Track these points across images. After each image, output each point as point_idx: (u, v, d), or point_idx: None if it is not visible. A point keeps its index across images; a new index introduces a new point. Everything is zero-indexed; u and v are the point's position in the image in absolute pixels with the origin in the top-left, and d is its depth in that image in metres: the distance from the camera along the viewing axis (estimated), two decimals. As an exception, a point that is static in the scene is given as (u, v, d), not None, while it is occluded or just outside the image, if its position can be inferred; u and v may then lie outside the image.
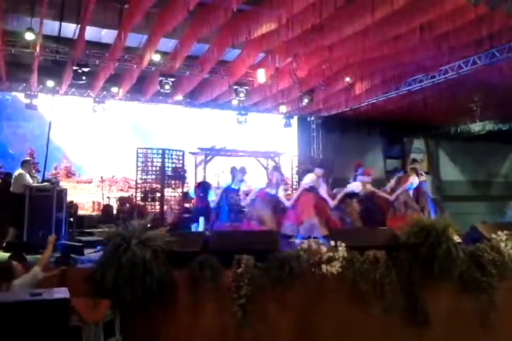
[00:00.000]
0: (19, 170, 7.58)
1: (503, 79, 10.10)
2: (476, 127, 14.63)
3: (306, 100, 11.54)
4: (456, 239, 5.42)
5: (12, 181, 7.57)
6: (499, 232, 5.83)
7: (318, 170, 7.76)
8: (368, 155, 15.45)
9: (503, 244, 5.66)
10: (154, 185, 11.39)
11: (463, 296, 5.35)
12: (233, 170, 8.22)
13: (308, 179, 7.61)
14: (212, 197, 8.39)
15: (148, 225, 5.13)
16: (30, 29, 8.16)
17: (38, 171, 11.80)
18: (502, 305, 5.33)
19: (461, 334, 5.28)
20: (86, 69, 9.30)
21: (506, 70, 9.58)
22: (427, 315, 5.08)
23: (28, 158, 8.59)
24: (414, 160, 9.27)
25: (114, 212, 11.55)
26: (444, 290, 5.29)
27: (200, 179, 10.55)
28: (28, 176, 7.53)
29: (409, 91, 11.27)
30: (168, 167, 11.35)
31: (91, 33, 9.39)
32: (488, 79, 10.30)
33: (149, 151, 11.51)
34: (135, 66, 9.74)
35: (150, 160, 11.39)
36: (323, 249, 5.00)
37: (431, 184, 16.60)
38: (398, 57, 9.29)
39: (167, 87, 10.00)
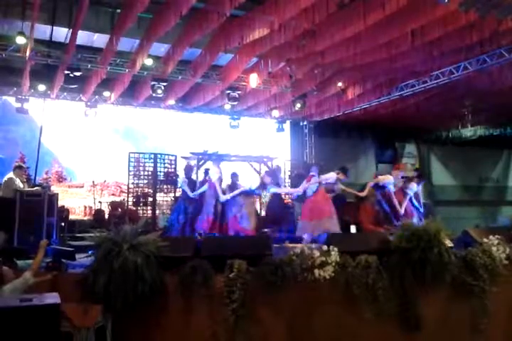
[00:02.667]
0: (10, 175, 7.53)
1: (494, 84, 10.19)
2: (468, 132, 14.75)
3: (298, 105, 11.58)
4: (448, 243, 5.44)
5: (2, 186, 7.52)
6: (491, 237, 5.86)
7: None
8: (361, 160, 15.51)
9: (494, 248, 5.68)
10: (146, 190, 11.34)
11: (455, 300, 5.36)
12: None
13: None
14: None
15: (140, 230, 5.10)
16: (21, 33, 8.10)
17: (28, 176, 11.72)
18: (494, 310, 5.34)
19: (453, 338, 5.29)
20: (78, 74, 9.26)
21: (497, 76, 9.67)
22: (419, 319, 5.08)
23: (21, 164, 8.53)
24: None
25: (106, 216, 11.48)
26: (436, 294, 5.30)
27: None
28: (18, 181, 7.48)
29: (401, 96, 11.34)
30: (160, 171, 11.30)
31: (83, 37, 9.38)
32: (479, 84, 10.39)
33: (141, 156, 11.45)
34: (127, 70, 9.72)
35: (142, 164, 11.34)
36: (316, 253, 4.99)
37: (423, 188, 16.69)
38: (390, 63, 9.34)
39: (159, 91, 9.99)
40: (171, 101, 12.01)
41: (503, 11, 5.78)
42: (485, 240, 5.83)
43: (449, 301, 5.37)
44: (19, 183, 7.45)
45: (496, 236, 5.87)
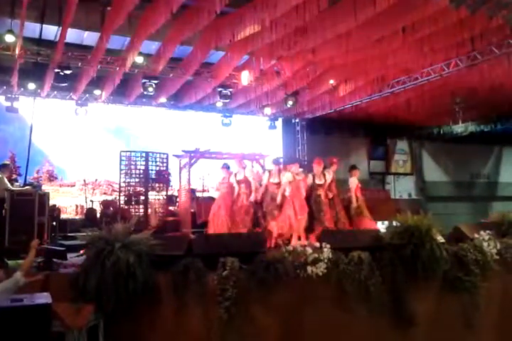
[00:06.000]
0: (-3, 174, 7.46)
1: (485, 80, 10.22)
2: (459, 128, 14.81)
3: (290, 102, 11.58)
4: (440, 239, 5.47)
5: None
6: (482, 232, 5.90)
7: None
8: (352, 157, 15.54)
9: (485, 244, 5.73)
10: (138, 188, 11.27)
11: (447, 296, 5.40)
12: None
13: None
14: None
15: (132, 229, 5.08)
16: (10, 31, 8.04)
17: (19, 175, 11.63)
18: (485, 304, 5.38)
19: (446, 333, 5.32)
20: (68, 72, 9.22)
21: (487, 72, 9.70)
22: (411, 314, 5.11)
23: (7, 163, 8.45)
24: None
25: (98, 215, 11.41)
26: (428, 290, 5.33)
27: (184, 182, 10.46)
28: (6, 180, 7.41)
29: (392, 93, 11.37)
30: (152, 170, 11.24)
31: (73, 35, 9.30)
32: (470, 80, 10.42)
33: (133, 154, 11.36)
34: (118, 68, 9.66)
35: (133, 163, 11.25)
36: (309, 250, 5.00)
37: (414, 185, 16.81)
38: (381, 60, 9.36)
39: (150, 89, 9.95)
40: (163, 99, 11.98)
41: (493, 7, 5.79)
42: (476, 236, 5.87)
43: (441, 296, 5.40)
44: (7, 183, 7.39)
45: (487, 231, 5.91)
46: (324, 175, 7.69)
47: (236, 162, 8.20)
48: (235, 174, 8.01)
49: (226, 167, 8.29)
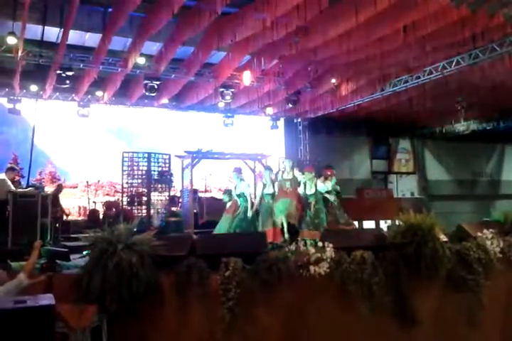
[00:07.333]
0: (2, 176, 7.48)
1: (487, 79, 10.21)
2: (461, 127, 14.81)
3: (292, 102, 11.58)
4: (443, 237, 5.46)
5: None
6: (485, 231, 5.88)
7: None
8: (355, 156, 15.56)
9: (488, 242, 5.71)
10: (140, 189, 11.30)
11: (450, 295, 5.38)
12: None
13: None
14: None
15: (135, 229, 5.08)
16: (12, 33, 8.07)
17: (22, 177, 11.67)
18: (489, 303, 5.37)
19: (449, 333, 5.30)
20: (70, 73, 9.24)
21: (489, 70, 9.69)
22: (414, 313, 5.09)
23: (13, 166, 8.49)
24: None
25: (101, 216, 11.43)
26: (431, 289, 5.31)
27: (186, 182, 10.47)
28: (9, 182, 7.44)
29: (394, 92, 11.36)
30: (154, 171, 11.27)
31: (74, 36, 9.34)
32: (471, 79, 10.41)
33: (135, 155, 11.41)
34: (120, 69, 9.68)
35: (136, 164, 11.30)
36: (311, 250, 4.99)
37: (417, 184, 16.79)
38: (383, 59, 9.35)
39: (152, 90, 9.97)
40: (164, 100, 11.99)
41: (494, 6, 5.78)
42: (479, 234, 5.85)
43: (444, 295, 5.38)
44: (11, 185, 7.42)
45: (490, 230, 5.90)
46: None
47: (236, 175, 8.29)
48: (235, 187, 8.14)
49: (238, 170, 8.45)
